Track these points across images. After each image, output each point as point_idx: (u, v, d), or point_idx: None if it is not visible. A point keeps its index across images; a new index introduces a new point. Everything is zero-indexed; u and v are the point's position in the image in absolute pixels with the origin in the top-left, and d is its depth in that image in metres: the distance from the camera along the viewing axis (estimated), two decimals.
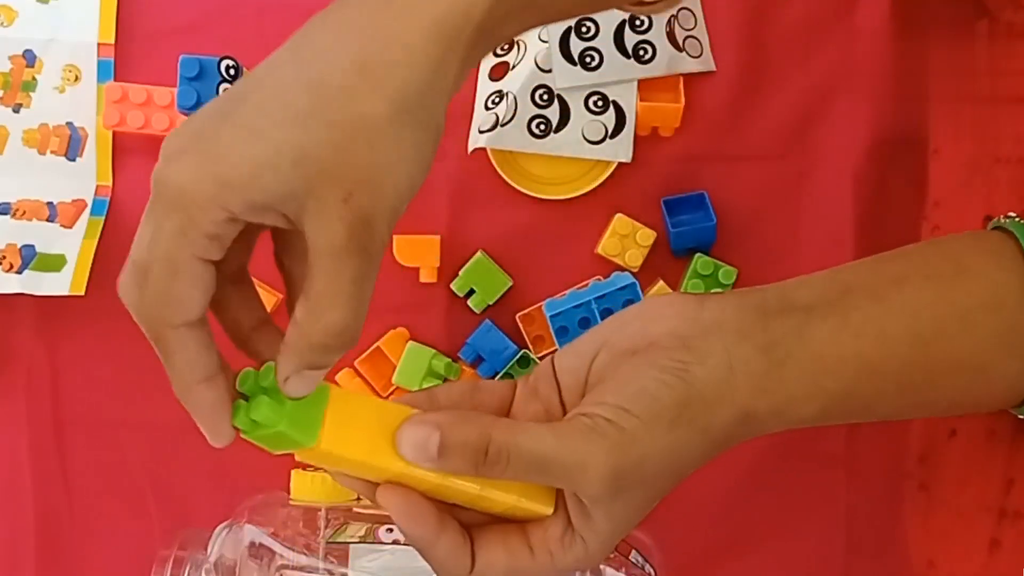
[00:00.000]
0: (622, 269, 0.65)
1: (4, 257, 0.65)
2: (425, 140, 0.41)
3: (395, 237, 0.66)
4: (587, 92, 0.65)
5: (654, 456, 0.43)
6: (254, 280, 0.66)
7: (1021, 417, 0.49)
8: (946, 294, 0.46)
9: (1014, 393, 0.47)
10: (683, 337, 0.44)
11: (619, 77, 0.65)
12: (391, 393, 0.66)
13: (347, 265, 0.40)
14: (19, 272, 0.65)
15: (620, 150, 0.65)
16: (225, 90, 0.50)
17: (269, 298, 0.66)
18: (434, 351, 0.65)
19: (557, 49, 0.65)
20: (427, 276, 0.66)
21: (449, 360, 0.65)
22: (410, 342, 0.65)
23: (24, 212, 0.67)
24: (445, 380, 0.65)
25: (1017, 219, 0.48)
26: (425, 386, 0.64)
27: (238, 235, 0.41)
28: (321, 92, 0.39)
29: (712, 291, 0.47)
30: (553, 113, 0.65)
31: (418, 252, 0.66)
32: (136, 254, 0.41)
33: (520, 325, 0.66)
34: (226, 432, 0.44)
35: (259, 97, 0.39)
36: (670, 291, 0.65)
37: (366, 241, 0.40)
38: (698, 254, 0.65)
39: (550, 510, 0.45)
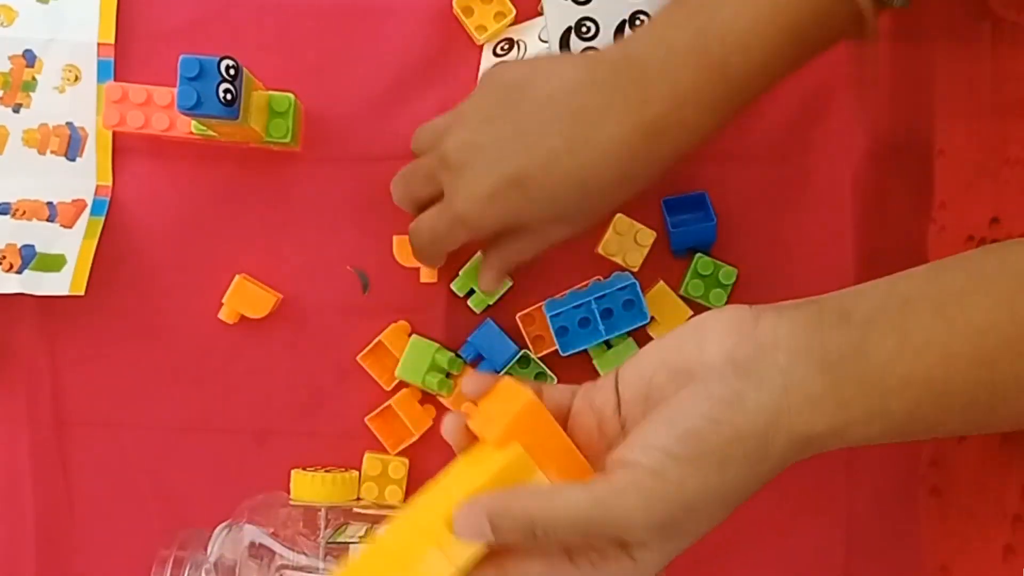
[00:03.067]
0: (622, 269, 0.65)
1: (4, 257, 0.65)
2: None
3: (395, 237, 0.66)
4: None
5: (705, 497, 0.42)
6: (254, 281, 0.67)
7: None
8: (1011, 312, 0.44)
9: None
10: (737, 361, 0.43)
11: None
12: (395, 387, 0.66)
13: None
14: (19, 272, 0.65)
15: None
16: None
17: (269, 298, 0.66)
18: (437, 345, 0.65)
19: (557, 49, 0.65)
20: (427, 276, 0.67)
21: (452, 354, 0.65)
22: (413, 336, 0.65)
23: (24, 212, 0.67)
24: (448, 375, 0.65)
25: None
26: (429, 377, 0.64)
27: None
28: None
29: (768, 306, 0.46)
30: None
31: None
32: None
33: (520, 325, 0.66)
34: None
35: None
36: (670, 292, 0.65)
37: None
38: (698, 254, 0.65)
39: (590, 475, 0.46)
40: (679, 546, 0.44)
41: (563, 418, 0.48)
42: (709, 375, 0.43)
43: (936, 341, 0.44)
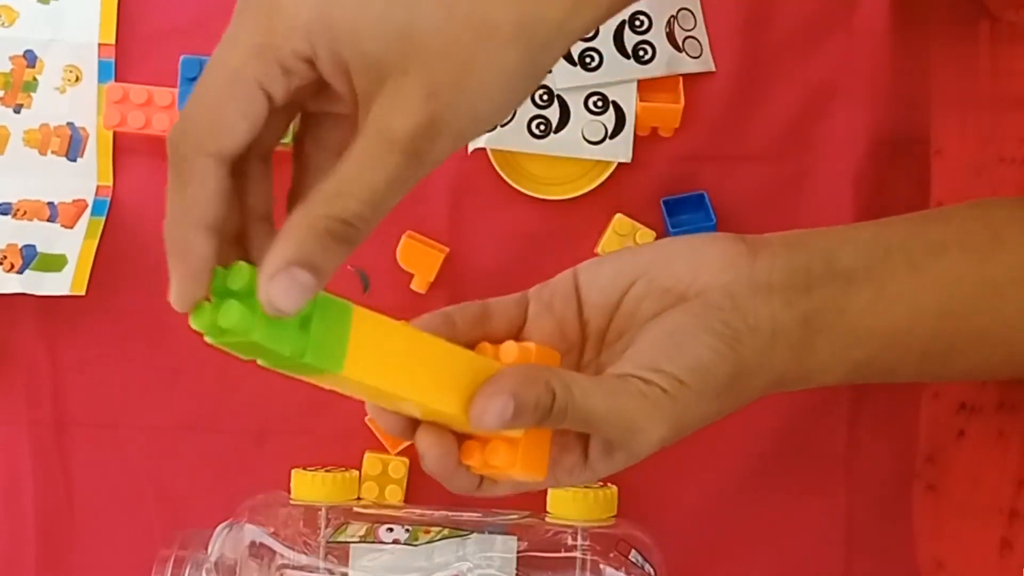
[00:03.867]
0: None
1: (5, 257, 0.65)
2: (528, 80, 0.39)
3: (403, 238, 0.66)
4: (587, 92, 0.66)
5: (695, 422, 0.43)
6: None
7: None
8: (981, 268, 0.46)
9: None
10: (736, 296, 0.44)
11: (619, 77, 0.65)
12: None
13: (393, 161, 0.36)
14: (20, 272, 0.65)
15: (620, 150, 0.65)
16: None
17: None
18: None
19: None
20: (418, 286, 0.66)
21: None
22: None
23: (25, 212, 0.67)
24: None
25: None
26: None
27: (281, 110, 0.38)
28: None
29: (760, 240, 0.47)
30: (553, 113, 0.65)
31: (419, 259, 0.66)
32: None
33: None
34: (191, 297, 0.38)
35: None
36: None
37: (425, 147, 0.37)
38: None
39: (542, 476, 0.44)
40: (642, 457, 0.45)
41: (516, 330, 0.46)
42: (706, 306, 0.44)
43: (906, 294, 0.46)
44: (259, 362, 0.40)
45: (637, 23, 0.65)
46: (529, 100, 0.65)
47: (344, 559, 0.59)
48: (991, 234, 0.47)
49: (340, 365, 0.40)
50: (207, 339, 0.39)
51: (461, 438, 0.44)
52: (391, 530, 0.60)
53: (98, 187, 0.68)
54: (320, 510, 0.61)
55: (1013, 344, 0.47)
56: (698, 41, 0.67)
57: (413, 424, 0.43)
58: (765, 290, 0.45)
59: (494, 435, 0.43)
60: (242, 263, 0.38)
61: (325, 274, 0.37)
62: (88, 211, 0.67)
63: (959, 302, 0.46)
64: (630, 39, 0.66)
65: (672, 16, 0.66)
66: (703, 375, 0.43)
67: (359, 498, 0.66)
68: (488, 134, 0.65)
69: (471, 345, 0.45)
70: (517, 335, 0.46)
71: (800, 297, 0.45)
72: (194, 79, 0.61)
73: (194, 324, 0.38)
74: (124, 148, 0.69)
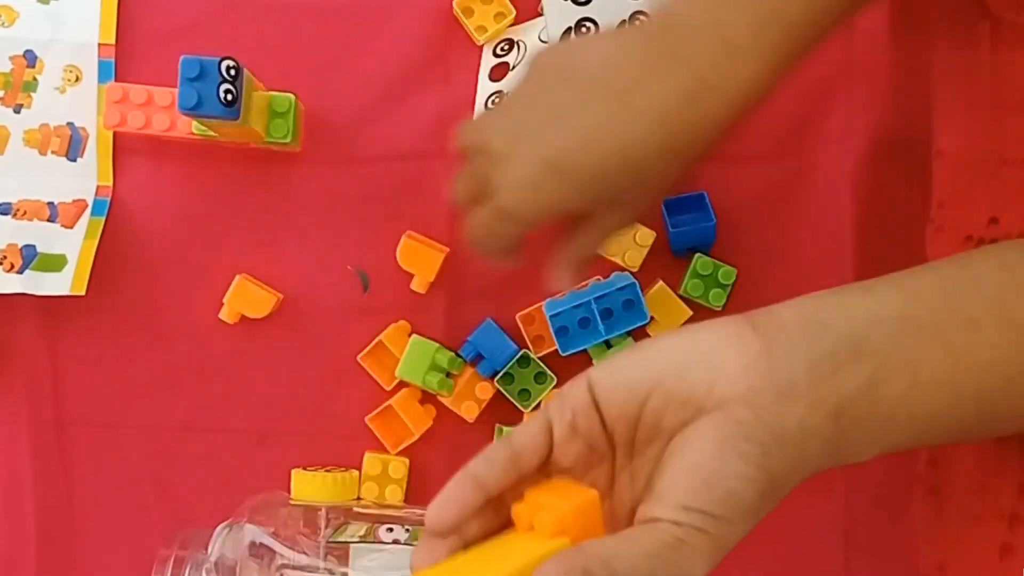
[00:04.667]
0: (622, 269, 0.66)
1: (5, 257, 0.65)
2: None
3: (403, 239, 0.66)
4: None
5: (735, 543, 0.43)
6: (254, 281, 0.67)
7: None
8: (1017, 346, 0.44)
9: None
10: (757, 408, 0.42)
11: None
12: (395, 386, 0.66)
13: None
14: (20, 272, 0.65)
15: None
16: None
17: (269, 298, 0.66)
18: (437, 344, 0.65)
19: None
20: (418, 286, 0.66)
21: (452, 354, 0.65)
22: (413, 336, 0.65)
23: (25, 212, 0.67)
24: (448, 375, 0.65)
25: None
26: (429, 376, 0.64)
27: None
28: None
29: (774, 326, 0.44)
30: None
31: (419, 259, 0.66)
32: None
33: (520, 325, 0.66)
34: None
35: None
36: (670, 292, 0.65)
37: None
38: (698, 254, 0.66)
39: None
40: None
41: (547, 451, 0.45)
42: (728, 423, 0.42)
43: (943, 379, 0.44)
44: None
45: (637, 23, 0.65)
46: None
47: (344, 559, 0.59)
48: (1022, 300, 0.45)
49: None
50: None
51: None
52: (391, 530, 0.60)
53: (98, 187, 0.68)
54: (320, 510, 0.61)
55: None
56: None
57: None
58: (788, 392, 0.42)
59: None
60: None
61: None
62: (88, 211, 0.67)
63: (994, 384, 0.44)
64: None
65: None
66: (735, 504, 0.42)
67: (359, 498, 0.66)
68: None
69: (505, 496, 0.44)
70: (546, 464, 0.45)
71: (828, 389, 0.42)
72: (194, 79, 0.61)
73: None
74: (124, 148, 0.69)
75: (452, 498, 0.42)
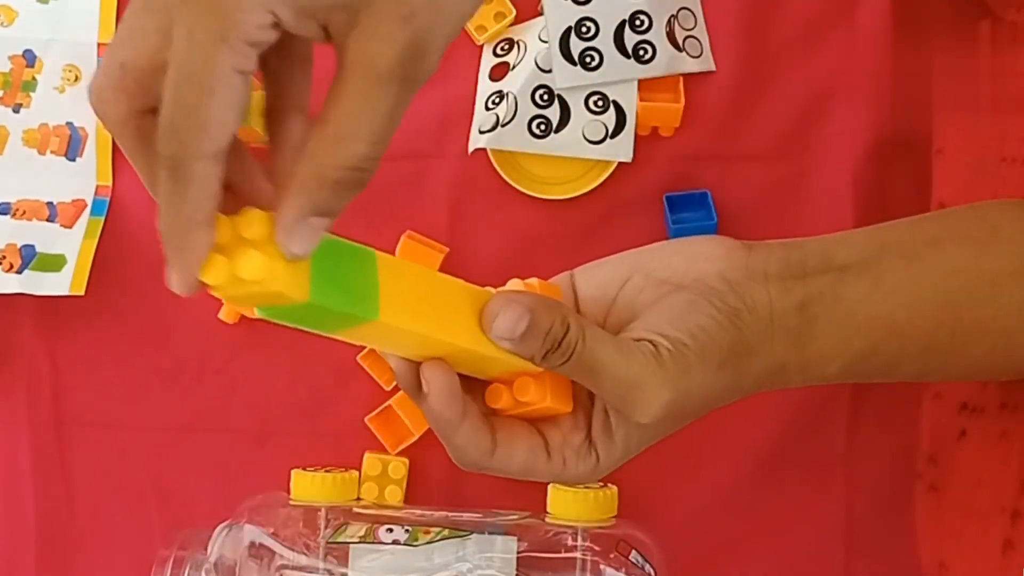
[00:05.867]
0: None
1: (4, 257, 0.65)
2: None
3: (403, 239, 0.66)
4: (587, 92, 0.65)
5: (698, 394, 0.44)
6: None
7: None
8: (978, 259, 0.47)
9: None
10: (732, 281, 0.45)
11: (619, 77, 0.65)
12: (395, 386, 0.66)
13: (387, 92, 0.36)
14: (19, 272, 0.65)
15: (620, 150, 0.65)
16: None
17: None
18: None
19: (557, 49, 0.65)
20: None
21: None
22: None
23: (24, 212, 0.67)
24: None
25: None
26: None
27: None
28: None
29: (756, 242, 0.48)
30: (553, 113, 0.65)
31: (419, 259, 0.65)
32: (125, 55, 0.35)
33: None
34: (197, 283, 0.36)
35: None
36: None
37: (414, 69, 0.36)
38: None
39: (569, 408, 0.45)
40: (642, 442, 0.45)
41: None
42: (705, 291, 0.45)
43: (904, 284, 0.46)
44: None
45: (637, 23, 0.65)
46: (529, 100, 0.65)
47: (344, 559, 0.59)
48: (987, 228, 0.48)
49: (376, 312, 0.38)
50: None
51: (485, 385, 0.44)
52: (391, 531, 0.60)
53: (97, 187, 0.68)
54: (320, 510, 0.61)
55: (1013, 336, 0.47)
56: (698, 41, 0.67)
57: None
58: (761, 278, 0.46)
59: (518, 374, 0.43)
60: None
61: (338, 213, 0.37)
62: (87, 211, 0.67)
63: (957, 292, 0.47)
64: (630, 39, 0.65)
65: (672, 16, 0.66)
66: (705, 339, 0.43)
67: (359, 498, 0.66)
68: (488, 134, 0.65)
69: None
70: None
71: (796, 285, 0.46)
72: None
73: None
74: None
75: None
